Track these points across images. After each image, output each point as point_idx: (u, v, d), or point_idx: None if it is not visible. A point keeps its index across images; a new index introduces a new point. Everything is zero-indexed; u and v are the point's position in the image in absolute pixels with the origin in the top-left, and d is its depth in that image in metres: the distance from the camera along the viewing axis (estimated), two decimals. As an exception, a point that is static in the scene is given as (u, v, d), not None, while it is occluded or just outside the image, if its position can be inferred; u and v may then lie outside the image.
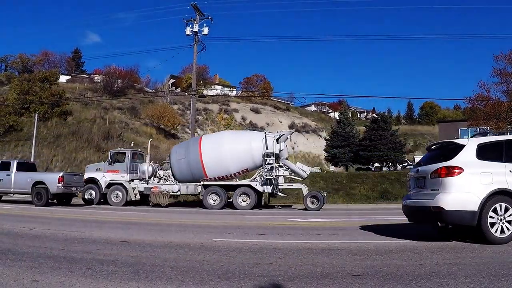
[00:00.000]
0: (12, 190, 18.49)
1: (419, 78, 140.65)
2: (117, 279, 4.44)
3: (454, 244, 6.95)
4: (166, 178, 19.82)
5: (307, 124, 58.87)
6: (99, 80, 53.89)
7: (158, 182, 19.77)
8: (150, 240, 7.44)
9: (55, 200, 18.59)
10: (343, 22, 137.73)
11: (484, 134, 7.76)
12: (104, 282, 4.31)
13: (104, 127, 36.64)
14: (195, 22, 27.37)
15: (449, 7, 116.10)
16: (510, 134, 7.84)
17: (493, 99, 28.16)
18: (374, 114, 71.77)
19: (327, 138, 37.22)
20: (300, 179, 19.36)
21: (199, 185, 18.86)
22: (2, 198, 20.17)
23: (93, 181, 19.96)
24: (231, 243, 7.24)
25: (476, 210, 6.51)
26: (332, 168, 37.38)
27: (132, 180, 19.93)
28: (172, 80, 67.00)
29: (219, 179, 18.95)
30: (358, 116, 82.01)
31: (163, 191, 19.19)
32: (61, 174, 18.08)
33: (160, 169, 20.28)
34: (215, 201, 18.33)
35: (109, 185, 19.79)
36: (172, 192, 19.31)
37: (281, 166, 18.87)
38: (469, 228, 6.89)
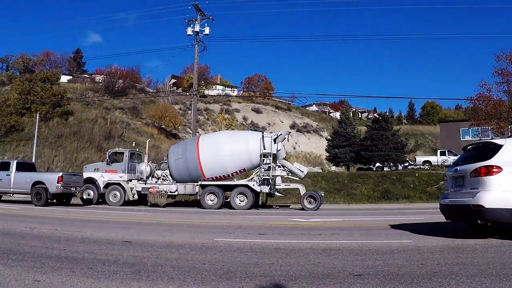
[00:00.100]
0: (11, 190, 18.57)
1: (420, 78, 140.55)
2: (119, 279, 4.45)
3: (455, 244, 6.96)
4: (164, 178, 19.88)
5: (308, 124, 58.86)
6: (100, 80, 53.96)
7: (156, 182, 19.83)
8: (151, 240, 7.45)
9: (54, 200, 18.66)
10: (344, 22, 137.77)
11: None
12: (105, 282, 4.31)
13: (106, 127, 36.70)
14: (197, 22, 27.40)
15: (451, 7, 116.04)
16: None
17: (495, 99, 28.10)
18: (375, 114, 71.62)
19: (328, 138, 37.14)
20: (298, 179, 19.38)
21: (197, 185, 18.91)
22: (2, 198, 20.24)
23: (91, 181, 20.05)
24: (232, 243, 7.23)
25: None
26: (333, 168, 37.33)
27: (130, 180, 20.01)
28: (173, 80, 67.05)
29: (217, 179, 18.99)
30: (360, 116, 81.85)
31: (161, 191, 19.24)
32: (60, 174, 18.14)
33: (158, 169, 20.35)
34: (212, 201, 18.36)
35: (107, 185, 19.88)
36: (170, 192, 19.38)
37: (279, 166, 18.88)
38: (509, 225, 7.13)
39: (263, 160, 18.33)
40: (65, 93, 39.10)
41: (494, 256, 5.74)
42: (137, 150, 22.30)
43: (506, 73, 27.69)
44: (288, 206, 21.28)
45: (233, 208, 17.93)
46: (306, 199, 17.94)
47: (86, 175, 20.06)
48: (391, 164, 33.11)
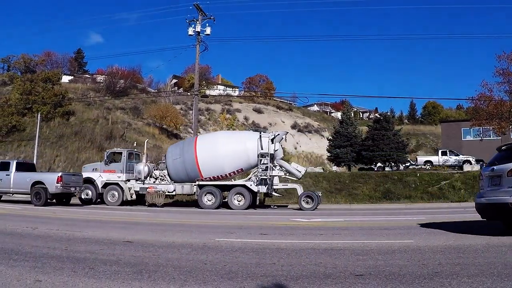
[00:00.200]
0: (11, 190, 18.61)
1: (421, 78, 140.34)
2: (120, 279, 4.45)
3: (456, 244, 6.94)
4: (162, 178, 19.93)
5: (309, 124, 58.85)
6: (101, 80, 54.01)
7: (154, 182, 19.86)
8: (152, 240, 7.46)
9: (54, 200, 18.69)
10: (345, 22, 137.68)
11: None
12: (107, 282, 4.32)
13: (107, 127, 36.74)
14: (198, 22, 27.42)
15: (452, 7, 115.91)
16: None
17: (496, 98, 28.06)
18: (376, 114, 71.53)
19: (329, 138, 37.12)
20: (295, 179, 19.37)
21: (195, 185, 18.95)
22: (2, 198, 20.29)
23: (89, 181, 20.09)
24: (234, 243, 7.23)
25: None
26: (334, 168, 37.26)
27: (128, 180, 20.05)
28: (174, 80, 67.04)
29: (214, 179, 19.02)
30: (361, 116, 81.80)
31: (159, 191, 19.28)
32: (59, 174, 18.16)
33: (156, 169, 20.41)
34: (210, 201, 18.39)
35: (106, 185, 19.94)
36: (168, 192, 19.44)
37: (276, 166, 18.89)
38: None
39: (261, 160, 18.36)
40: (67, 93, 39.14)
41: (496, 256, 5.73)
42: (135, 150, 22.37)
43: (508, 73, 27.65)
44: (286, 206, 21.29)
45: (231, 208, 17.96)
46: (304, 199, 17.93)
47: (84, 175, 20.08)
48: (393, 164, 33.05)
